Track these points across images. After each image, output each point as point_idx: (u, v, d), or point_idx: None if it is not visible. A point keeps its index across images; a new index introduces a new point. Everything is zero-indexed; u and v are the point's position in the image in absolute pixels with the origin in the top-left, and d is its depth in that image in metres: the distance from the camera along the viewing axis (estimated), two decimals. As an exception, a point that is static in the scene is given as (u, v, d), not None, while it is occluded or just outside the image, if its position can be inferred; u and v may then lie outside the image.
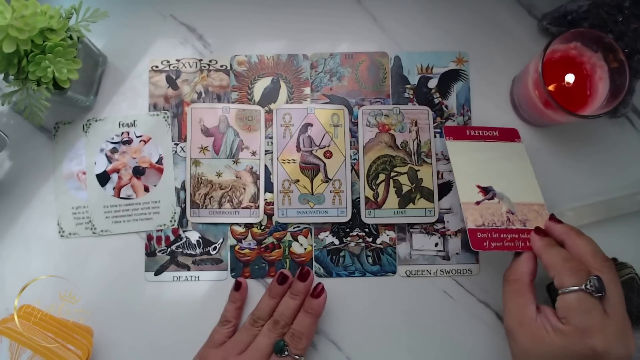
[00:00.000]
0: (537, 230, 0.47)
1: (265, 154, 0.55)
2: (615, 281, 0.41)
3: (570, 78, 0.50)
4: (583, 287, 0.40)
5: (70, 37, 0.47)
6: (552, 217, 0.48)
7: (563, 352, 0.40)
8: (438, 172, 0.54)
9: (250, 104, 0.55)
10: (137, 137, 0.55)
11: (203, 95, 0.55)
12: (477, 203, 0.50)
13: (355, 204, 0.54)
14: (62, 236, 0.53)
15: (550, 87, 0.50)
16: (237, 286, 0.52)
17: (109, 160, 0.54)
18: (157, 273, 0.53)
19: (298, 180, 0.54)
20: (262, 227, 0.54)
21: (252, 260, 0.53)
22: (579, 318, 0.40)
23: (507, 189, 0.50)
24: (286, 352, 0.47)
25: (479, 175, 0.51)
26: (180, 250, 0.53)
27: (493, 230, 0.48)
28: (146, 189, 0.54)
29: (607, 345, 0.39)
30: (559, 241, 0.45)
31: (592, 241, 0.44)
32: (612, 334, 0.40)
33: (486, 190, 0.50)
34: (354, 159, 0.55)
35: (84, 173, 0.54)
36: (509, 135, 0.53)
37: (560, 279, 0.42)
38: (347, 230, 0.54)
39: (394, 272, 0.53)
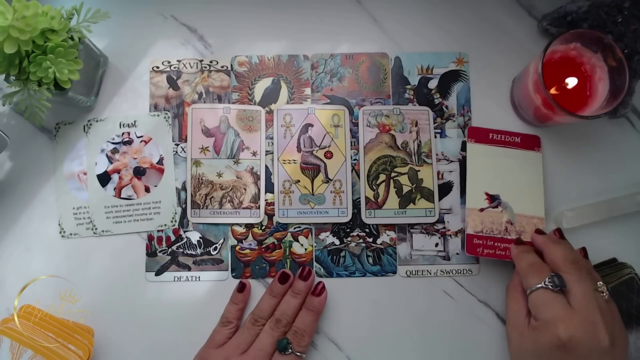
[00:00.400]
0: (516, 240, 0.51)
1: (266, 155, 0.55)
2: (582, 280, 0.43)
3: (572, 82, 0.50)
4: (542, 284, 0.43)
5: (72, 38, 0.47)
6: (537, 230, 0.50)
7: (535, 345, 0.43)
8: (438, 173, 0.55)
9: (250, 104, 0.55)
10: (138, 137, 0.55)
11: (204, 95, 0.55)
12: (481, 210, 0.52)
13: (356, 204, 0.54)
14: (63, 236, 0.53)
15: (552, 90, 0.50)
16: (241, 288, 0.52)
17: (110, 160, 0.54)
18: (157, 273, 0.53)
19: (299, 181, 0.54)
20: (263, 227, 0.54)
21: (252, 260, 0.53)
22: (543, 311, 0.43)
23: (512, 199, 0.52)
24: (289, 350, 0.48)
25: (489, 182, 0.52)
26: (181, 250, 0.53)
27: (489, 238, 0.51)
28: (147, 189, 0.54)
29: (571, 334, 0.41)
30: (539, 251, 0.48)
31: (567, 247, 0.46)
32: (576, 324, 0.41)
33: (492, 198, 0.52)
34: (355, 160, 0.55)
35: (85, 173, 0.54)
36: (530, 143, 0.54)
37: (526, 281, 0.45)
38: (348, 230, 0.54)
39: (395, 272, 0.53)
